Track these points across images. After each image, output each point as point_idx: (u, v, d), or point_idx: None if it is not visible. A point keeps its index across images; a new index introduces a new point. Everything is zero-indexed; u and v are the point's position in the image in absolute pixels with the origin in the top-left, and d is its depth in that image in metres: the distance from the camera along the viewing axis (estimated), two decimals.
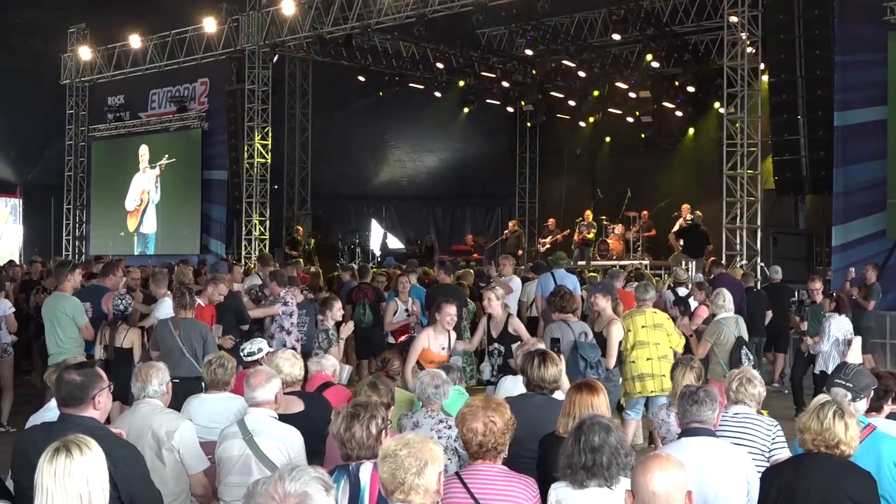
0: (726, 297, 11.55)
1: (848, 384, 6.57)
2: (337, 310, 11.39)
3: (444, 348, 10.15)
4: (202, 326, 10.71)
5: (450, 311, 10.25)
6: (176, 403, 7.19)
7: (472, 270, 18.23)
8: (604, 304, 11.10)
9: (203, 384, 7.89)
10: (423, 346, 10.08)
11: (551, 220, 29.34)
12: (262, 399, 6.62)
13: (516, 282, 15.02)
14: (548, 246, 27.73)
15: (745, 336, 11.35)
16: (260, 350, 8.62)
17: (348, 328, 11.41)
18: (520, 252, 27.68)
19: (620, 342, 10.97)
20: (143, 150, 32.27)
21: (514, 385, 8.17)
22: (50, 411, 5.97)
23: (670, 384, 10.53)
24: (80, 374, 5.43)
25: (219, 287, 11.87)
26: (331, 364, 8.91)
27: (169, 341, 10.43)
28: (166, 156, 31.34)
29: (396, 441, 4.39)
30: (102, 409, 5.44)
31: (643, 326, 11.15)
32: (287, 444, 6.38)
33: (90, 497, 4.22)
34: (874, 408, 6.74)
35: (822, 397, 5.62)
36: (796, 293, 15.38)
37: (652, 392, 11.00)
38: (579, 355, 9.73)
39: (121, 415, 7.17)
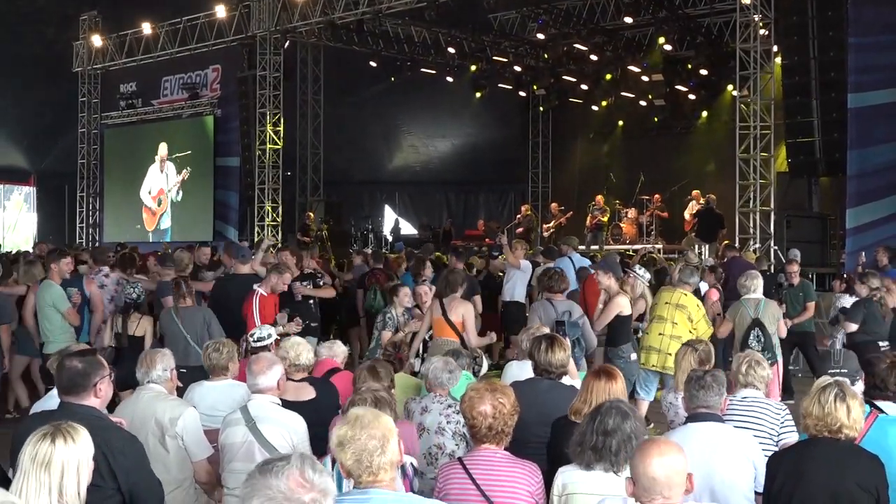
0: (750, 277, 11.46)
1: (842, 370, 6.51)
2: (403, 295, 11.24)
3: None
4: (205, 312, 10.66)
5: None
6: (183, 393, 7.18)
7: (480, 258, 18.19)
8: (607, 281, 11.05)
9: None
10: None
11: (553, 205, 29.37)
12: (265, 385, 6.57)
13: (526, 266, 14.95)
14: (552, 230, 27.70)
15: (768, 319, 11.22)
16: (269, 335, 8.55)
17: (412, 325, 10.98)
18: (532, 236, 27.60)
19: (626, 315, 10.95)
20: (163, 149, 32.24)
21: (520, 369, 8.13)
22: (52, 399, 5.95)
23: (673, 363, 10.60)
24: (82, 360, 5.35)
25: (283, 276, 11.61)
26: (341, 351, 8.90)
27: (173, 330, 10.42)
28: (187, 170, 31.34)
29: (348, 424, 4.23)
30: (103, 396, 5.37)
31: (666, 303, 11.09)
32: (291, 430, 6.36)
33: (61, 488, 4.19)
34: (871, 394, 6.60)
35: (823, 380, 5.55)
36: (779, 276, 15.27)
37: (653, 367, 10.99)
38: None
39: (123, 401, 7.15)
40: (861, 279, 12.56)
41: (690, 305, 11.16)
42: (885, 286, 12.31)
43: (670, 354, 10.73)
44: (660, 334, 11.01)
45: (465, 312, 10.52)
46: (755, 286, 11.43)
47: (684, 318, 11.03)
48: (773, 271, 17.31)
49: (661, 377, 11.11)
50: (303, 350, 7.63)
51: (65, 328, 11.36)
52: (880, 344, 11.35)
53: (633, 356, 10.92)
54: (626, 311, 10.87)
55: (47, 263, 11.79)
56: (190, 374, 7.80)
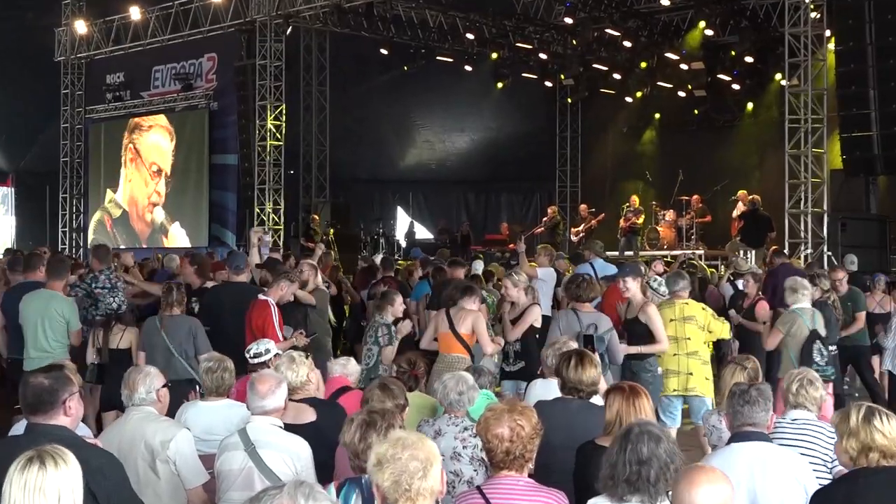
0: (806, 286, 11.46)
1: None
2: (398, 305, 11.42)
3: None
4: (191, 322, 10.65)
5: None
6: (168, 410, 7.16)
7: (499, 266, 18.20)
8: (635, 287, 11.08)
9: (197, 387, 7.85)
10: None
11: (583, 206, 29.34)
12: (273, 407, 6.60)
13: (551, 273, 14.94)
14: (581, 234, 27.69)
15: (822, 332, 11.23)
16: (267, 351, 8.52)
17: (406, 326, 11.31)
18: (559, 241, 27.59)
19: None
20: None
21: (545, 389, 8.12)
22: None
23: (695, 383, 10.70)
24: (48, 377, 5.39)
25: (293, 286, 11.66)
26: (355, 370, 8.91)
27: (155, 341, 10.41)
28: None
29: (391, 443, 4.31)
30: (74, 415, 5.42)
31: (671, 320, 11.09)
32: (293, 455, 6.36)
33: None
34: None
35: (861, 405, 5.49)
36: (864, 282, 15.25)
37: (674, 391, 10.98)
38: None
39: (112, 423, 7.16)
40: (812, 281, 12.69)
41: (696, 312, 11.24)
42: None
43: (691, 374, 10.85)
44: (674, 355, 11.01)
45: (474, 321, 10.59)
46: (807, 295, 11.42)
47: (695, 330, 11.09)
48: None
49: (686, 400, 11.12)
50: (285, 369, 7.52)
51: (66, 346, 11.36)
52: (830, 348, 11.54)
53: (660, 370, 10.95)
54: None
55: (55, 271, 11.71)
56: (173, 389, 7.74)
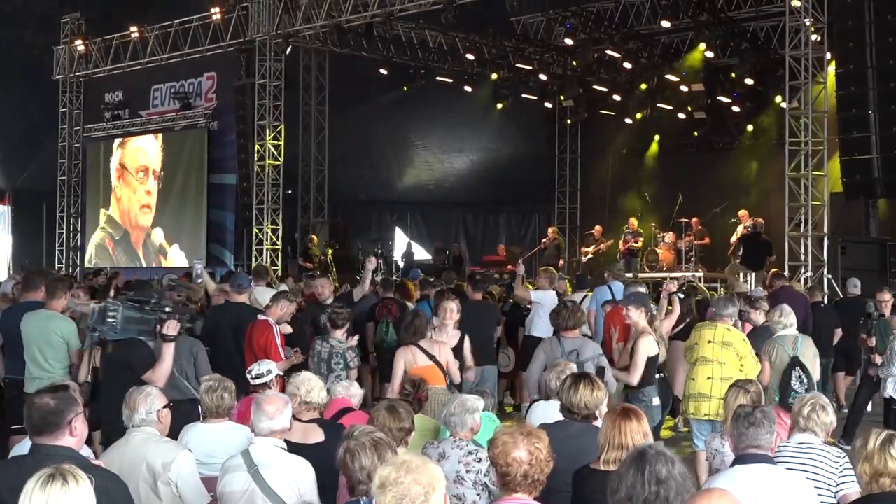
0: (784, 313, 11.37)
1: None
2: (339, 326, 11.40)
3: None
4: (192, 343, 10.64)
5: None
6: (171, 430, 7.14)
7: (500, 286, 18.19)
8: (637, 316, 11.00)
9: (199, 407, 7.82)
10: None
11: (597, 228, 29.22)
12: (280, 428, 6.60)
13: (549, 296, 14.91)
14: (590, 256, 27.68)
15: (806, 357, 11.15)
16: (269, 372, 8.52)
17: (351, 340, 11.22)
18: (560, 262, 27.59)
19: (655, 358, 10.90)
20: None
21: (546, 412, 8.12)
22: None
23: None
24: (54, 397, 5.39)
25: (291, 306, 11.72)
26: (358, 393, 8.92)
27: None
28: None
29: (394, 466, 4.32)
30: (79, 435, 5.42)
31: (710, 342, 10.92)
32: (297, 477, 6.34)
33: None
34: None
35: (877, 431, 5.50)
36: (865, 306, 15.19)
37: (705, 415, 10.76)
38: None
39: (113, 444, 7.13)
40: (753, 305, 12.67)
41: (736, 341, 10.99)
42: None
43: (723, 399, 10.64)
44: (708, 378, 10.78)
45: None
46: (790, 321, 11.32)
47: (732, 356, 10.85)
48: (826, 302, 17.26)
49: (713, 425, 11.00)
50: (315, 386, 7.61)
51: (65, 364, 11.32)
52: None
53: (656, 401, 10.82)
54: (653, 351, 10.80)
55: (53, 291, 11.68)
56: (173, 409, 7.70)
